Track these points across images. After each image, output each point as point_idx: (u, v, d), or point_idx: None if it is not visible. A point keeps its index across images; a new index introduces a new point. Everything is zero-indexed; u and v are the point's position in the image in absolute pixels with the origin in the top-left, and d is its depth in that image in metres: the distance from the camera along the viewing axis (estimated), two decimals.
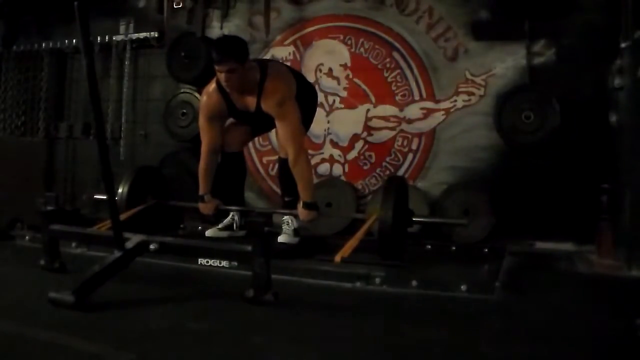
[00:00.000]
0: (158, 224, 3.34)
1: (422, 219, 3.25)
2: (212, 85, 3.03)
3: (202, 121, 3.11)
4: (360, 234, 2.82)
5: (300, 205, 2.96)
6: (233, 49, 2.83)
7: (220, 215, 3.32)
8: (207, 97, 3.05)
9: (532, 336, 1.82)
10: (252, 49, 4.36)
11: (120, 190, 3.30)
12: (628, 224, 2.94)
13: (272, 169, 4.50)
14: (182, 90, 4.71)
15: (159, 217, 3.45)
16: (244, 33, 4.53)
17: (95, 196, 3.69)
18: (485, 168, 3.99)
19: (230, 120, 3.23)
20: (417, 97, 4.20)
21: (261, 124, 3.15)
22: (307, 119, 3.13)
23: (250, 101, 2.97)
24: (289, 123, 2.91)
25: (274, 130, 3.21)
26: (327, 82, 4.40)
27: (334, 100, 4.40)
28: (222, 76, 2.83)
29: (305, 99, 3.10)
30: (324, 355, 1.63)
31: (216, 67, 2.84)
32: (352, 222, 3.82)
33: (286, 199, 3.19)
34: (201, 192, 3.15)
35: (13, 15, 5.29)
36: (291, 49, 4.53)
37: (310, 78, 3.99)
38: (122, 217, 2.96)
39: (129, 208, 3.28)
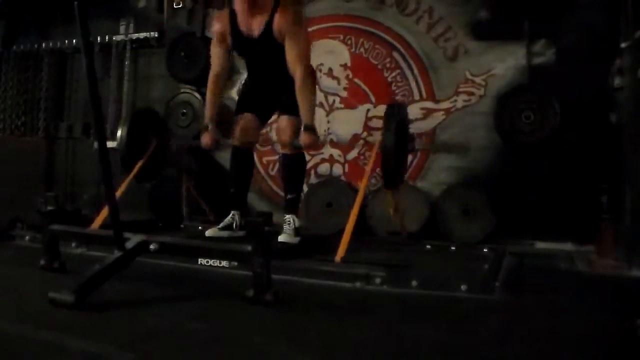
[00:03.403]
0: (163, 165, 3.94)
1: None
2: (224, 10, 3.10)
3: (212, 48, 3.17)
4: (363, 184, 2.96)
5: (302, 129, 2.94)
6: None
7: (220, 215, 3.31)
8: (216, 21, 3.13)
9: (532, 336, 1.82)
10: None
11: (119, 133, 3.67)
12: (628, 224, 2.94)
13: (272, 169, 4.50)
14: (182, 90, 4.71)
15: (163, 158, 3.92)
16: None
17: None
18: (485, 168, 4.00)
19: (236, 117, 3.22)
20: (417, 97, 4.21)
21: (263, 67, 3.11)
22: None
23: (259, 22, 2.94)
24: (300, 42, 2.90)
25: (273, 131, 3.19)
26: (327, 82, 4.40)
27: (334, 100, 4.40)
28: None
29: None
30: (323, 356, 1.63)
31: None
32: None
33: (288, 196, 3.17)
34: (206, 121, 3.16)
35: (13, 15, 5.29)
36: None
37: None
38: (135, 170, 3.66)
39: (131, 149, 3.65)
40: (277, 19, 2.89)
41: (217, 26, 3.10)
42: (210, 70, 3.18)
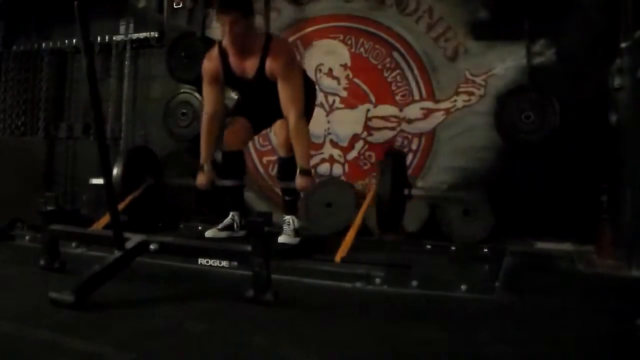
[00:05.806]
0: (158, 207, 3.63)
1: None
2: (214, 49, 3.03)
3: (203, 87, 3.10)
4: (362, 209, 2.92)
5: (297, 173, 2.91)
6: (238, 0, 2.81)
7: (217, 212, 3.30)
8: (207, 60, 3.03)
9: (532, 336, 1.82)
10: None
11: (115, 172, 3.40)
12: (628, 224, 2.94)
13: (272, 169, 4.50)
14: (182, 90, 4.71)
15: (158, 198, 3.64)
16: None
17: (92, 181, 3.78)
18: (485, 168, 4.00)
19: (229, 119, 3.22)
20: (417, 97, 4.20)
21: (258, 101, 3.08)
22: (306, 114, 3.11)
23: (251, 65, 2.91)
24: (292, 85, 2.87)
25: (273, 131, 3.19)
26: (327, 82, 4.40)
27: (334, 100, 4.40)
28: (225, 29, 2.80)
29: (306, 93, 3.06)
30: (323, 356, 1.63)
31: (219, 18, 2.82)
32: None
33: (286, 197, 3.18)
34: (201, 161, 3.09)
35: (13, 15, 5.29)
36: None
37: None
38: (121, 205, 3.19)
39: (126, 189, 3.39)
40: (269, 64, 2.87)
41: (208, 66, 3.02)
42: (204, 111, 3.11)
